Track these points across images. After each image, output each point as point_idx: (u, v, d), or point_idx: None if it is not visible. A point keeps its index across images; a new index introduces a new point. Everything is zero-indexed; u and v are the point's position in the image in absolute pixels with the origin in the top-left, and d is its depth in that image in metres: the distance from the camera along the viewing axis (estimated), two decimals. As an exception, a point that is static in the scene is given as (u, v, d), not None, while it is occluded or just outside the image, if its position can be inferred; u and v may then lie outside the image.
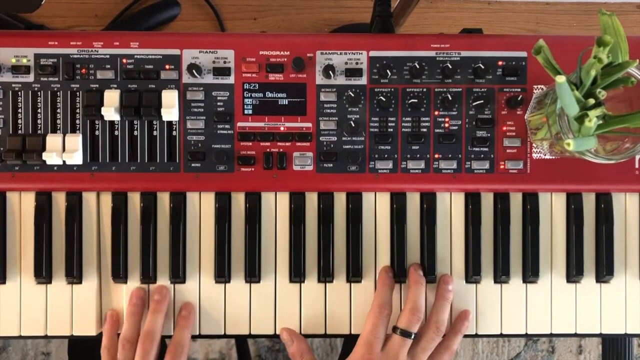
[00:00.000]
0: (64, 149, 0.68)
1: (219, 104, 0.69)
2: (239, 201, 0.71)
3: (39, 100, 0.69)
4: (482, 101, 0.69)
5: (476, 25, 1.00)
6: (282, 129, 0.70)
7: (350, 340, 0.95)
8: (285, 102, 0.70)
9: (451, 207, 0.72)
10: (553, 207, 0.72)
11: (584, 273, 0.71)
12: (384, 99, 0.69)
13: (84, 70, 0.69)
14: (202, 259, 0.71)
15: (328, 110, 0.70)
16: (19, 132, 0.69)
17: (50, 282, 0.70)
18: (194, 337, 0.70)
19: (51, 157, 0.67)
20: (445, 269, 0.71)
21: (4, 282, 0.70)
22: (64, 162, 0.68)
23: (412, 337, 0.66)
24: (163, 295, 0.69)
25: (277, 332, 0.71)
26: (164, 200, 0.70)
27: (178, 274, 0.69)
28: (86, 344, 0.85)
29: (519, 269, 0.71)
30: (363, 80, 0.70)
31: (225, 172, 0.69)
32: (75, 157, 0.67)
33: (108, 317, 0.69)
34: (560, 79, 0.53)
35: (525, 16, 1.03)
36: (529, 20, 1.03)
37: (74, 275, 0.69)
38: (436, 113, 0.70)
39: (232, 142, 0.69)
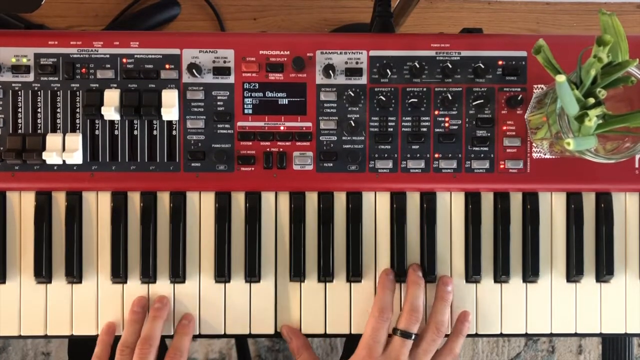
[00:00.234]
0: (64, 149, 0.68)
1: (219, 103, 0.69)
2: (239, 201, 0.71)
3: (39, 100, 0.69)
4: (482, 101, 0.69)
5: (476, 25, 1.00)
6: (282, 128, 0.70)
7: (350, 340, 0.96)
8: (285, 101, 0.70)
9: (451, 206, 0.72)
10: (553, 206, 0.72)
11: (584, 273, 0.71)
12: (384, 99, 0.69)
13: (84, 69, 0.69)
14: (202, 259, 0.70)
15: (328, 110, 0.70)
16: (19, 131, 0.69)
17: (50, 282, 0.70)
18: (194, 337, 0.70)
19: (51, 157, 0.67)
20: (445, 269, 0.71)
21: (3, 282, 0.70)
22: (63, 161, 0.68)
23: (413, 337, 0.66)
24: (164, 304, 0.69)
25: (277, 332, 0.71)
26: (164, 200, 0.70)
27: (178, 274, 0.69)
28: (86, 343, 0.85)
29: (519, 269, 0.71)
30: (363, 80, 0.70)
31: (225, 172, 0.69)
32: (75, 157, 0.67)
33: (105, 327, 0.69)
34: (561, 78, 0.53)
35: (525, 16, 1.03)
36: (529, 20, 1.03)
37: (74, 275, 0.69)
38: (436, 113, 0.70)
39: (232, 142, 0.69)
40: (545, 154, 0.70)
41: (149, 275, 0.69)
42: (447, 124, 0.70)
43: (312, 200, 0.71)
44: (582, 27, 1.03)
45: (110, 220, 0.70)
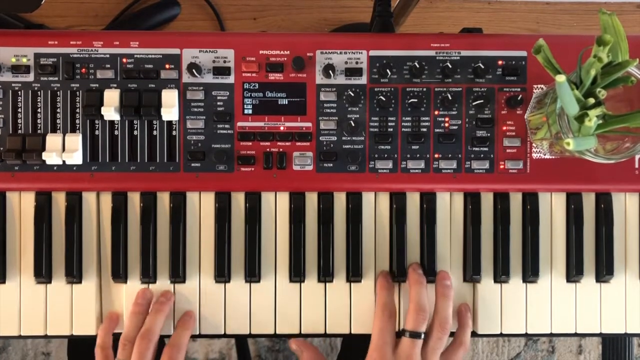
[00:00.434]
0: (64, 149, 0.68)
1: (218, 103, 0.69)
2: (238, 201, 0.71)
3: (38, 100, 0.69)
4: (482, 101, 0.69)
5: (476, 24, 1.00)
6: (282, 128, 0.70)
7: (348, 340, 0.96)
8: (285, 101, 0.70)
9: (451, 207, 0.72)
10: (553, 206, 0.72)
11: (584, 273, 0.71)
12: (383, 99, 0.69)
13: (83, 69, 0.69)
14: (202, 259, 0.70)
15: (328, 110, 0.70)
16: (19, 131, 0.69)
17: (50, 282, 0.70)
18: (194, 337, 0.70)
19: (51, 157, 0.67)
20: (445, 269, 0.71)
21: (3, 282, 0.70)
22: (63, 162, 0.68)
23: (422, 337, 0.66)
24: (167, 298, 0.69)
25: (277, 332, 0.71)
26: (163, 200, 0.70)
27: (178, 274, 0.69)
28: (86, 343, 0.85)
29: (518, 269, 0.71)
30: (363, 80, 0.70)
31: (225, 172, 0.69)
32: (75, 157, 0.67)
33: (107, 317, 0.69)
34: (561, 78, 0.53)
35: (525, 16, 1.03)
36: (529, 20, 1.03)
37: (74, 275, 0.69)
38: (436, 113, 0.70)
39: (232, 142, 0.69)
40: (545, 154, 0.70)
41: (149, 275, 0.69)
42: (447, 124, 0.70)
43: (312, 200, 0.71)
44: (582, 27, 1.03)
45: (110, 221, 0.70)
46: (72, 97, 0.69)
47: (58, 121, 0.69)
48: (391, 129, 0.70)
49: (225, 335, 0.71)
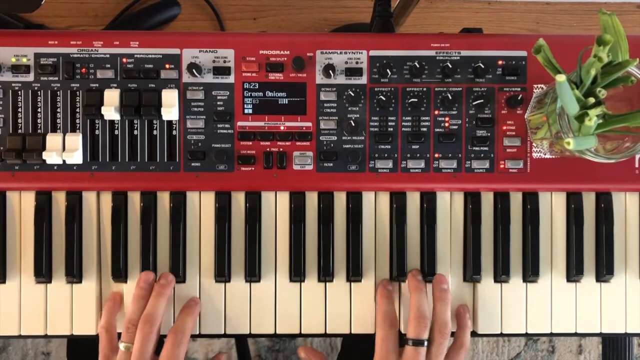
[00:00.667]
0: (64, 149, 0.68)
1: (219, 103, 0.69)
2: (239, 201, 0.71)
3: (39, 100, 0.69)
4: (482, 100, 0.69)
5: (476, 24, 1.00)
6: (282, 128, 0.70)
7: (347, 340, 0.96)
8: (285, 101, 0.70)
9: (451, 206, 0.72)
10: (553, 206, 0.72)
11: (584, 272, 0.71)
12: (384, 99, 0.69)
13: (84, 69, 0.69)
14: (202, 259, 0.70)
15: (328, 110, 0.70)
16: (19, 131, 0.69)
17: (50, 282, 0.70)
18: (193, 337, 0.70)
19: (51, 157, 0.67)
20: (445, 269, 0.71)
21: (3, 282, 0.70)
22: (64, 161, 0.68)
23: (424, 344, 0.66)
24: (169, 281, 0.68)
25: (277, 332, 0.71)
26: (164, 200, 0.70)
27: (178, 274, 0.69)
28: (86, 343, 0.85)
29: (519, 269, 0.71)
30: (363, 80, 0.70)
31: (225, 172, 0.69)
32: (75, 157, 0.67)
33: (110, 299, 0.69)
34: (561, 77, 0.53)
35: (525, 16, 1.03)
36: (529, 20, 1.03)
37: (74, 274, 0.69)
38: (436, 112, 0.70)
39: (232, 142, 0.69)
40: (545, 154, 0.70)
41: (149, 275, 0.69)
42: (447, 124, 0.70)
43: (312, 200, 0.71)
44: (582, 27, 1.03)
45: (110, 220, 0.70)
46: (72, 97, 0.69)
47: (58, 121, 0.69)
48: (391, 129, 0.70)
49: (225, 335, 0.71)
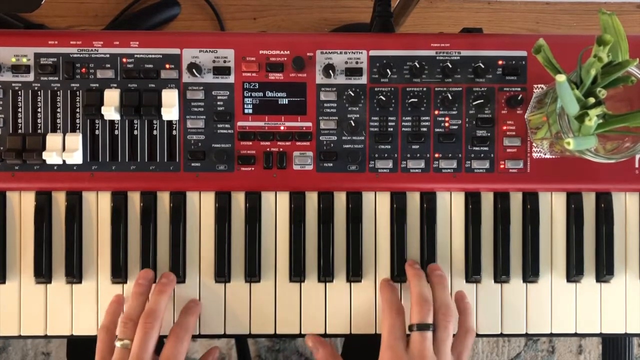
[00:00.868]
0: (64, 149, 0.68)
1: (219, 103, 0.69)
2: (239, 201, 0.71)
3: (39, 100, 0.69)
4: (482, 100, 0.69)
5: (476, 24, 1.00)
6: (282, 128, 0.70)
7: (349, 340, 0.96)
8: (285, 101, 0.70)
9: (451, 206, 0.72)
10: (553, 206, 0.72)
11: (584, 272, 0.71)
12: (384, 99, 0.69)
13: (84, 69, 0.69)
14: (202, 259, 0.70)
15: (328, 110, 0.70)
16: (19, 131, 0.69)
17: (50, 282, 0.70)
18: (193, 337, 0.70)
19: (51, 157, 0.67)
20: (445, 269, 0.71)
21: (3, 282, 0.70)
22: (63, 161, 0.68)
23: (430, 328, 0.65)
24: (170, 280, 0.68)
25: (277, 332, 0.71)
26: (164, 200, 0.70)
27: (178, 274, 0.69)
28: (86, 343, 0.85)
29: (519, 269, 0.71)
30: (363, 80, 0.70)
31: (225, 172, 0.69)
32: (75, 157, 0.67)
33: (114, 301, 0.68)
34: (561, 77, 0.53)
35: (525, 16, 1.03)
36: (529, 20, 1.03)
37: (74, 274, 0.69)
38: (436, 112, 0.70)
39: (232, 142, 0.69)
40: (545, 154, 0.70)
41: (149, 275, 0.69)
42: (447, 124, 0.70)
43: (312, 200, 0.71)
44: (582, 27, 1.03)
45: (110, 220, 0.70)
46: (72, 97, 0.69)
47: (58, 121, 0.69)
48: (391, 129, 0.70)
49: (225, 335, 0.71)
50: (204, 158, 0.69)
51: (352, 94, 0.69)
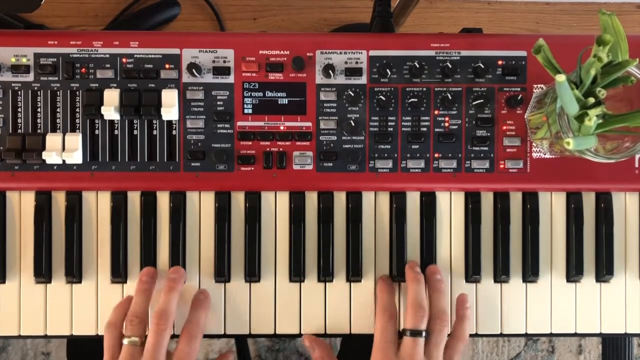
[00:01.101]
0: (64, 148, 0.68)
1: (218, 103, 0.69)
2: (238, 200, 0.71)
3: (38, 100, 0.69)
4: (482, 100, 0.69)
5: (476, 25, 1.00)
6: (282, 128, 0.70)
7: (347, 340, 0.96)
8: (285, 101, 0.70)
9: (451, 206, 0.72)
10: (553, 206, 0.72)
11: (584, 272, 0.71)
12: (383, 98, 0.69)
13: (83, 69, 0.69)
14: (202, 259, 0.70)
15: (328, 110, 0.70)
16: (19, 131, 0.69)
17: (49, 282, 0.70)
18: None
19: (51, 157, 0.67)
20: (445, 268, 0.71)
21: (3, 282, 0.70)
22: (63, 161, 0.68)
23: (422, 335, 0.65)
24: (180, 275, 0.68)
25: (277, 332, 0.71)
26: (163, 200, 0.70)
27: (178, 274, 0.69)
28: (86, 343, 0.85)
29: (518, 269, 0.71)
30: (363, 80, 0.70)
31: (225, 172, 0.69)
32: (75, 157, 0.67)
33: (125, 300, 0.68)
34: (560, 77, 0.53)
35: (525, 16, 1.03)
36: (529, 20, 1.03)
37: (74, 274, 0.69)
38: (436, 112, 0.70)
39: (232, 142, 0.69)
40: (545, 154, 0.70)
41: (148, 275, 0.69)
42: (447, 124, 0.70)
43: (312, 200, 0.71)
44: (582, 27, 1.03)
45: (110, 220, 0.70)
46: (72, 97, 0.69)
47: (58, 121, 0.69)
48: (391, 129, 0.70)
49: (225, 335, 0.71)
50: (204, 158, 0.69)
51: (352, 94, 0.69)
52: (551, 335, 0.73)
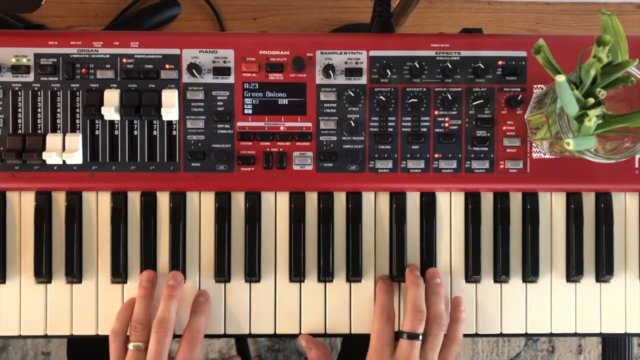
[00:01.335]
0: (64, 149, 0.68)
1: (218, 103, 0.69)
2: (238, 201, 0.71)
3: (39, 100, 0.69)
4: (482, 101, 0.69)
5: (476, 25, 1.00)
6: (282, 128, 0.70)
7: (347, 340, 0.96)
8: (285, 101, 0.70)
9: (451, 206, 0.72)
10: (553, 206, 0.72)
11: (584, 272, 0.71)
12: (383, 99, 0.69)
13: (84, 69, 0.69)
14: (202, 259, 0.71)
15: (328, 110, 0.70)
16: (19, 131, 0.69)
17: (50, 282, 0.70)
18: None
19: (51, 157, 0.67)
20: (445, 269, 0.71)
21: (3, 282, 0.70)
22: (63, 161, 0.68)
23: (419, 338, 0.66)
24: (178, 282, 0.68)
25: (277, 332, 0.71)
26: (163, 200, 0.70)
27: (178, 274, 0.69)
28: (86, 343, 0.85)
29: (518, 269, 0.71)
30: (363, 80, 0.70)
31: (225, 172, 0.69)
32: (75, 157, 0.67)
33: (127, 302, 0.68)
34: (560, 78, 0.53)
35: (525, 16, 1.03)
36: (529, 20, 1.03)
37: (74, 274, 0.69)
38: (436, 113, 0.70)
39: (232, 142, 0.69)
40: (545, 154, 0.70)
41: (149, 275, 0.69)
42: (447, 124, 0.70)
43: (312, 200, 0.71)
44: (582, 27, 1.03)
45: (110, 220, 0.70)
46: (72, 97, 0.69)
47: (58, 121, 0.69)
48: (391, 129, 0.70)
49: (225, 335, 0.71)
50: (204, 158, 0.69)
51: (352, 94, 0.69)
52: (551, 335, 0.73)
